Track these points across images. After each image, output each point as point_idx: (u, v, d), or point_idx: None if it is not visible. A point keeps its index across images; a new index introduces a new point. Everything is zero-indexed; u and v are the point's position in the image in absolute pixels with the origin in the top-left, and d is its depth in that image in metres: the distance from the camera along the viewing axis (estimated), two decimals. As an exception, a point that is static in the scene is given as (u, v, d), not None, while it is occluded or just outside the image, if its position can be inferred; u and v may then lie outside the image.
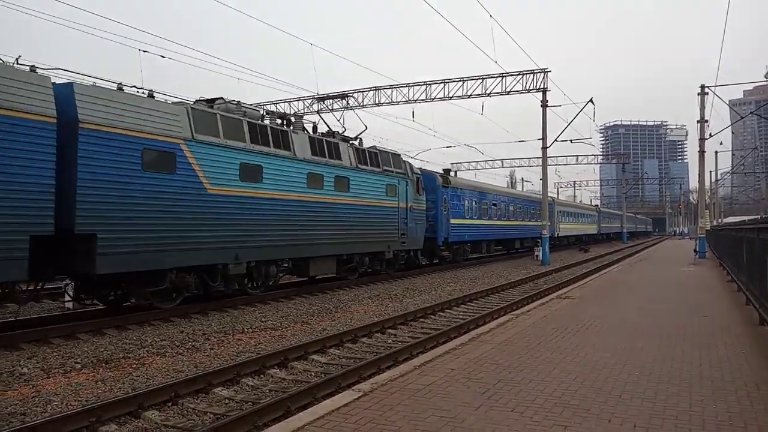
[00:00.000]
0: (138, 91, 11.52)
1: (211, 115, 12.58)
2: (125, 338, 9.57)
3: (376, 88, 28.67)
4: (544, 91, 27.08)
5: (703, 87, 28.26)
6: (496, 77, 27.25)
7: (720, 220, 55.41)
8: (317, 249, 15.64)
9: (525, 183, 76.77)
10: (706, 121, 28.78)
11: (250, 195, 13.22)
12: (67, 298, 12.07)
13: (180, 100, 12.72)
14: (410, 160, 22.46)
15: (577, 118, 28.98)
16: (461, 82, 27.71)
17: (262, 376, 7.60)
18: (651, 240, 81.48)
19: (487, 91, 27.44)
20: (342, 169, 16.65)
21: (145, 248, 10.65)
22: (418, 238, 21.37)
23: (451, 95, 27.81)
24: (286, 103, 29.56)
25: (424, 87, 28.21)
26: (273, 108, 27.72)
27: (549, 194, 32.70)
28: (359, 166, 17.59)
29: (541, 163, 30.50)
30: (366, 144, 18.98)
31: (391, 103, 28.80)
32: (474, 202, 28.24)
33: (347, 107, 24.50)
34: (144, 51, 17.00)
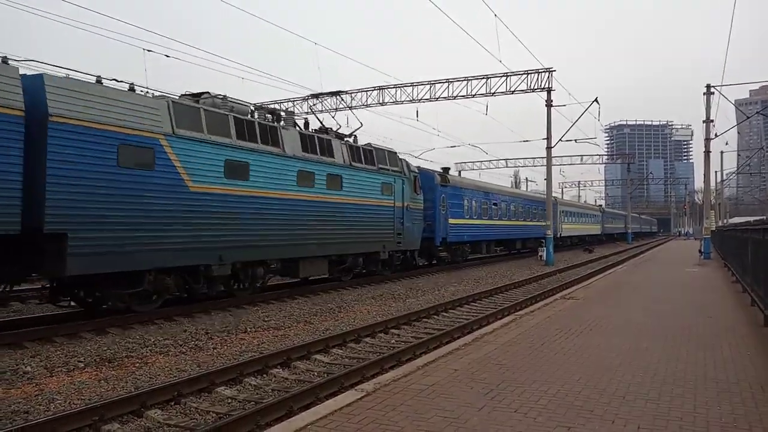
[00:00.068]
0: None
1: (195, 109, 12.05)
2: (128, 337, 9.58)
3: (381, 88, 28.67)
4: (549, 90, 27.04)
5: (708, 87, 28.14)
6: (501, 76, 27.21)
7: (725, 221, 55.21)
8: (307, 249, 15.14)
9: (529, 183, 76.61)
10: (712, 121, 28.67)
11: (236, 193, 12.70)
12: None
13: (162, 94, 12.32)
14: (415, 160, 22.30)
15: (582, 117, 28.85)
16: (465, 82, 27.69)
17: (264, 375, 7.60)
18: (656, 240, 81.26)
19: (492, 91, 27.39)
20: (334, 167, 16.15)
21: (120, 248, 10.16)
22: (415, 239, 20.85)
23: (455, 95, 27.78)
24: (290, 103, 29.58)
25: (429, 87, 28.19)
26: (276, 107, 27.72)
27: (552, 194, 32.63)
28: (353, 163, 17.09)
29: (545, 163, 30.45)
30: (369, 143, 18.73)
31: (395, 102, 28.78)
32: (474, 202, 27.76)
33: (342, 107, 24.45)
34: (148, 50, 16.96)
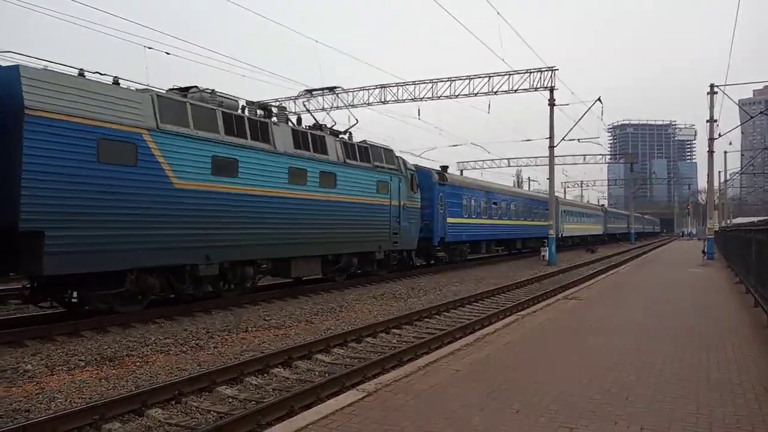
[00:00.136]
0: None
1: (180, 103, 11.65)
2: (129, 336, 9.58)
3: (383, 86, 28.62)
4: (552, 89, 26.96)
5: (712, 86, 28.04)
6: (503, 75, 27.16)
7: (729, 221, 55.08)
8: (299, 249, 14.72)
9: (532, 182, 76.42)
10: (715, 121, 28.57)
11: (223, 190, 12.29)
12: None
13: (147, 87, 11.92)
14: (416, 159, 22.08)
15: (585, 117, 28.77)
16: (468, 80, 27.63)
17: (265, 375, 7.58)
18: (659, 241, 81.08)
19: (494, 89, 27.34)
20: (328, 164, 15.68)
21: (100, 247, 9.80)
22: (412, 238, 20.41)
23: (457, 93, 27.73)
24: (291, 101, 29.53)
25: (430, 85, 28.15)
26: (276, 104, 27.64)
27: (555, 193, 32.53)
28: (347, 161, 16.60)
29: (548, 162, 30.36)
30: (364, 140, 18.38)
31: (397, 101, 28.72)
32: (473, 201, 27.33)
33: (340, 105, 24.30)
34: (149, 48, 16.83)
